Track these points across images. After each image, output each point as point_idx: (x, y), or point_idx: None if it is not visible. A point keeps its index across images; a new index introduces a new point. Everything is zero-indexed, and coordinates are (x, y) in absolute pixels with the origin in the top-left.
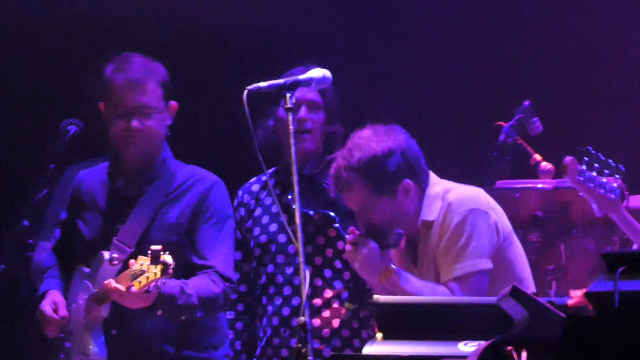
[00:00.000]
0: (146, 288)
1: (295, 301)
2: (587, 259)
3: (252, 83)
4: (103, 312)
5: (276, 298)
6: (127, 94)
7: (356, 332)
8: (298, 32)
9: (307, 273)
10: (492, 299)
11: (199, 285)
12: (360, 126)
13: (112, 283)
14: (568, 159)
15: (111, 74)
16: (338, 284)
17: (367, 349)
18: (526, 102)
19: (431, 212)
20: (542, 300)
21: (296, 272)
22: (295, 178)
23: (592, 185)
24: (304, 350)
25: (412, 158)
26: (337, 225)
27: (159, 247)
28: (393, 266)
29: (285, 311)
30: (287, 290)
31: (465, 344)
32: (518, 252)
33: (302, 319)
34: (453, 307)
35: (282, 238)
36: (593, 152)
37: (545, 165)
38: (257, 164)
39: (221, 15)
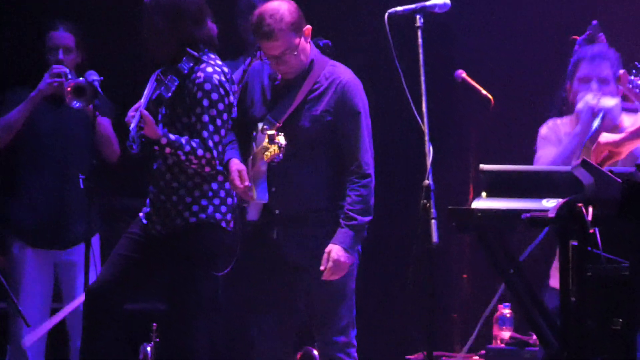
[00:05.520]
0: (271, 160)
1: None
2: None
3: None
4: (262, 167)
5: None
6: (267, 46)
7: None
8: None
9: (431, 148)
10: (568, 168)
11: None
12: None
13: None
14: (621, 71)
15: (259, 26)
16: None
17: (475, 204)
18: (594, 22)
19: None
20: (605, 169)
21: None
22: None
23: (637, 90)
24: (428, 205)
25: None
26: None
27: (273, 131)
28: None
29: None
30: None
31: (547, 201)
32: None
33: (426, 182)
34: (539, 173)
35: None
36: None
37: None
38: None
39: None
